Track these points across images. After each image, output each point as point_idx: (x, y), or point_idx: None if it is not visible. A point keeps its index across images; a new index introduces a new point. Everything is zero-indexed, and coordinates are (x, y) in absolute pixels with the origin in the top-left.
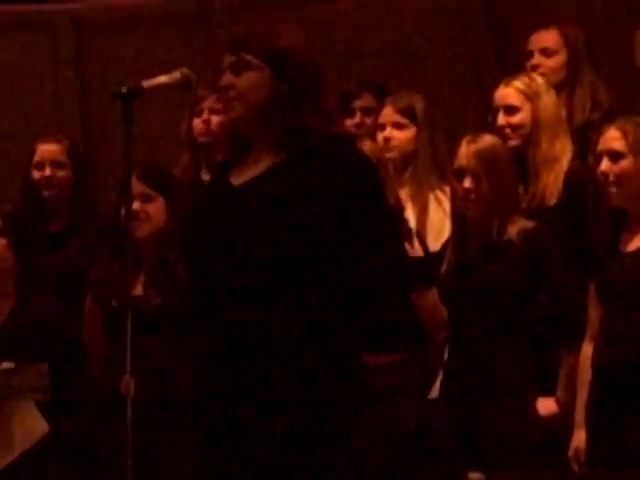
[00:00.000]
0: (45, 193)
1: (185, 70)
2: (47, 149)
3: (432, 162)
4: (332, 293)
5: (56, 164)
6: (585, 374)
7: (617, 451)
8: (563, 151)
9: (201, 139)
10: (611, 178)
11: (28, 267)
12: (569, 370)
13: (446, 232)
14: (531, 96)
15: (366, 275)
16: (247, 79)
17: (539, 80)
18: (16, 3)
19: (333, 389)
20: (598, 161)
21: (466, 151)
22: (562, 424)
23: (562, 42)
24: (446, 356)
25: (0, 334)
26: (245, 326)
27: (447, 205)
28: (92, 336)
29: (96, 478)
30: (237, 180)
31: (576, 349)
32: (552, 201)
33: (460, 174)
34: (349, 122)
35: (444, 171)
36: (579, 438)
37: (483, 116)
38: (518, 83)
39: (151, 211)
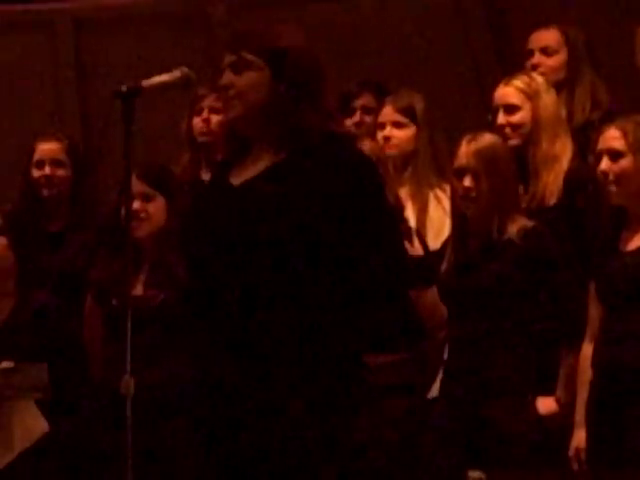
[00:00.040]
0: (45, 192)
1: (185, 69)
2: (47, 148)
3: (432, 161)
4: (332, 293)
5: (56, 163)
6: (585, 374)
7: (617, 450)
8: (563, 150)
9: (201, 138)
10: (611, 177)
11: (28, 266)
12: (569, 370)
13: (446, 231)
14: (531, 95)
15: (366, 274)
16: (247, 78)
17: (539, 79)
18: (16, 3)
19: (333, 389)
20: (598, 160)
21: (466, 150)
22: (562, 424)
23: (562, 41)
24: (446, 356)
25: (0, 333)
26: (245, 326)
27: (447, 204)
28: (92, 336)
29: (96, 478)
30: (237, 180)
31: (576, 349)
32: (552, 200)
33: (460, 173)
34: (349, 121)
35: (444, 170)
36: (579, 437)
37: (483, 116)
38: (518, 82)
39: (151, 210)
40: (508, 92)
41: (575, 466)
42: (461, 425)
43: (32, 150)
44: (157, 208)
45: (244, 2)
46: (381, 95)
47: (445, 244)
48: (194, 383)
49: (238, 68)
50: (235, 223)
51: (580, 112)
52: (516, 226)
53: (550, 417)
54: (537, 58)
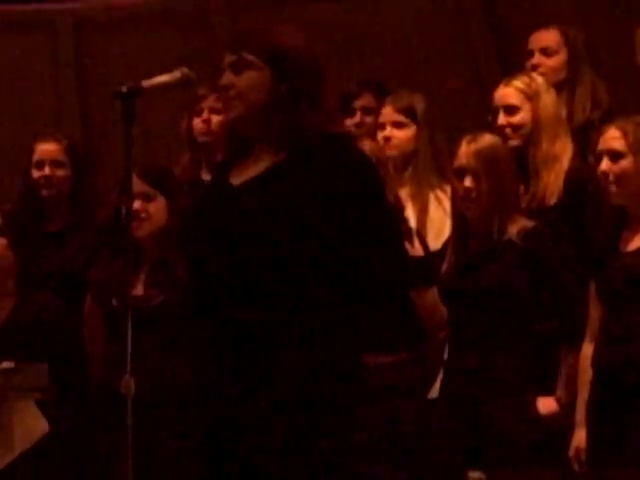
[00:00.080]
0: (44, 192)
1: (185, 69)
2: (46, 148)
3: (432, 161)
4: (332, 293)
5: (55, 163)
6: (585, 373)
7: (617, 450)
8: (563, 150)
9: (201, 139)
10: (611, 178)
11: (28, 266)
12: (569, 369)
13: (446, 231)
14: (531, 96)
15: (366, 275)
16: (247, 78)
17: (539, 80)
18: (16, 3)
19: (333, 389)
20: (598, 161)
21: (466, 150)
22: (562, 423)
23: (562, 42)
24: (446, 356)
25: (0, 333)
26: (245, 326)
27: (447, 204)
28: (92, 336)
29: (96, 478)
30: (237, 180)
31: (576, 348)
32: (552, 200)
33: (460, 173)
34: (349, 122)
35: (444, 170)
36: (580, 437)
37: (483, 116)
38: (518, 83)
39: (152, 210)
40: (508, 93)
41: (575, 466)
42: (461, 425)
43: (31, 150)
44: (157, 208)
45: (244, 2)
46: (381, 95)
47: (445, 244)
48: (194, 383)
49: (238, 68)
50: (235, 223)
51: (580, 112)
52: (516, 226)
53: (550, 417)
54: (537, 58)
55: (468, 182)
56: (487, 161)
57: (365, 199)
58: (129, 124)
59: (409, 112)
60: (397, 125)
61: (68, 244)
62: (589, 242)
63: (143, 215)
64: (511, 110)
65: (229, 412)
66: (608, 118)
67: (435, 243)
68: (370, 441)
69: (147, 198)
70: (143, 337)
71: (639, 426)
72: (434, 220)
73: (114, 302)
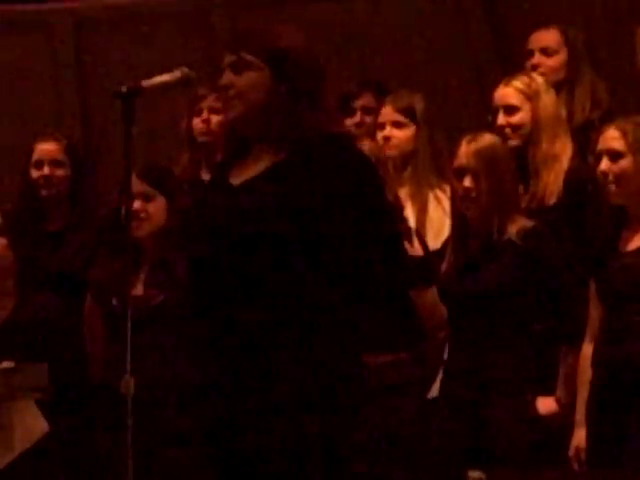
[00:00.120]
0: (44, 192)
1: (185, 69)
2: (46, 148)
3: (432, 161)
4: (332, 293)
5: (55, 163)
6: (585, 373)
7: (617, 450)
8: (563, 150)
9: (201, 138)
10: (611, 178)
11: (28, 266)
12: (569, 369)
13: (446, 231)
14: (531, 96)
15: (366, 274)
16: (247, 78)
17: (539, 80)
18: (16, 3)
19: (333, 389)
20: (598, 160)
21: (466, 150)
22: (562, 423)
23: (562, 41)
24: (446, 356)
25: (0, 333)
26: (245, 326)
27: (447, 204)
28: (92, 336)
29: (96, 478)
30: (237, 180)
31: (576, 348)
32: (552, 200)
33: (460, 173)
34: (349, 121)
35: (444, 170)
36: (580, 437)
37: (483, 116)
38: (518, 83)
39: (151, 210)
40: (508, 93)
41: (575, 466)
42: (461, 425)
43: (31, 150)
44: (157, 208)
45: (244, 2)
46: (381, 95)
47: (445, 244)
48: (194, 383)
49: (238, 68)
50: (235, 223)
51: (580, 112)
52: (516, 226)
53: (550, 417)
54: (537, 58)
55: (468, 182)
56: (487, 161)
57: (365, 199)
58: (129, 124)
59: (409, 112)
60: (397, 125)
61: (68, 244)
62: (589, 242)
63: (143, 215)
64: (511, 110)
65: (229, 412)
66: (608, 118)
67: (434, 243)
68: (370, 441)
69: (147, 198)
70: (143, 337)
71: (639, 426)
72: (433, 220)
73: (114, 302)
